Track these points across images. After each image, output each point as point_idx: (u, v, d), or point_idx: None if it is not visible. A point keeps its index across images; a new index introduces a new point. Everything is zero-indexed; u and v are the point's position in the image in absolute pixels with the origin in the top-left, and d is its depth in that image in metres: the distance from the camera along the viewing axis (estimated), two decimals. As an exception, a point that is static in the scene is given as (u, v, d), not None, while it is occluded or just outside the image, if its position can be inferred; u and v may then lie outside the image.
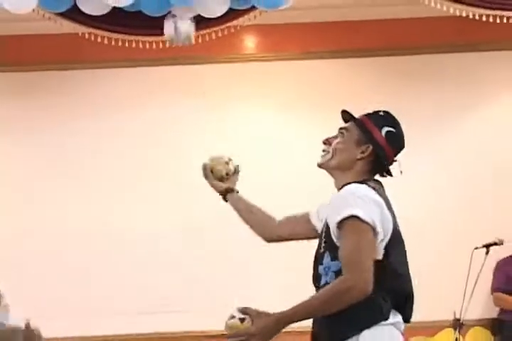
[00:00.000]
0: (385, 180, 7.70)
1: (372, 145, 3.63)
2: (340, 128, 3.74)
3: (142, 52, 7.09)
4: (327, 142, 3.73)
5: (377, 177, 3.74)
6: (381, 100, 7.76)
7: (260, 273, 7.49)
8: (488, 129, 7.97)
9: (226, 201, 4.16)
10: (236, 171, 4.18)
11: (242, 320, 3.35)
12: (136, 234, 7.68)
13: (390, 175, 3.75)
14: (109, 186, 7.94)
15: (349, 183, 3.53)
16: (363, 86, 7.97)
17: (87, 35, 6.85)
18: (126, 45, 6.91)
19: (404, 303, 3.48)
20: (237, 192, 4.15)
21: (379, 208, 3.45)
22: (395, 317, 3.43)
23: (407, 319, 3.51)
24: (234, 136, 7.81)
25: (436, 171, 7.93)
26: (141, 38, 6.91)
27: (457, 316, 7.21)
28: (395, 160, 3.74)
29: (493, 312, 7.69)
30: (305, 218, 3.93)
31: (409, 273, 3.54)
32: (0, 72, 8.04)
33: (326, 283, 3.43)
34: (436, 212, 7.79)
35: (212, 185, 4.14)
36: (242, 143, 7.71)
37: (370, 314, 3.36)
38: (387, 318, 3.37)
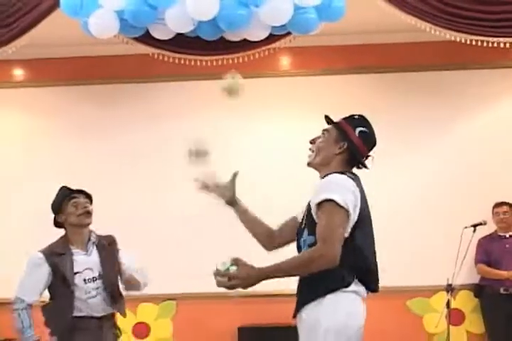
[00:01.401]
0: (394, 172, 7.80)
1: (347, 143, 3.66)
2: (323, 130, 3.78)
3: (199, 69, 7.09)
4: (313, 141, 3.78)
5: (354, 170, 3.75)
6: (387, 109, 7.95)
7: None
8: (473, 131, 8.03)
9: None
10: (234, 177, 4.03)
11: (231, 265, 3.34)
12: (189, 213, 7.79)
13: (365, 167, 3.74)
14: (167, 175, 7.99)
15: (331, 173, 3.58)
16: (373, 97, 7.99)
17: (156, 56, 6.90)
18: (187, 63, 6.96)
19: (367, 277, 3.50)
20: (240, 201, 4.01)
21: (353, 195, 3.45)
22: (357, 287, 3.45)
23: (374, 290, 3.55)
24: (268, 144, 7.92)
25: (432, 166, 7.97)
26: (199, 58, 6.95)
27: (449, 282, 7.25)
28: (370, 156, 3.78)
29: (476, 279, 7.73)
30: (294, 221, 3.86)
31: (373, 251, 3.57)
32: (86, 85, 8.15)
33: (308, 245, 3.49)
34: (435, 198, 7.85)
35: (218, 196, 4.00)
36: (275, 149, 7.85)
37: (334, 282, 3.39)
38: (347, 286, 3.41)
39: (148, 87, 8.10)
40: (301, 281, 3.55)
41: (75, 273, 4.75)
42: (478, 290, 7.73)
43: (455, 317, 7.60)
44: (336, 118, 3.76)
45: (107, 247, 4.96)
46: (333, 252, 3.30)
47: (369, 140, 3.76)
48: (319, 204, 3.43)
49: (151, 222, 7.82)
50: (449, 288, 7.29)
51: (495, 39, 6.64)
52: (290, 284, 3.86)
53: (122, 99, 8.13)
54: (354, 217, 3.44)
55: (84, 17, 6.38)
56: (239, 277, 3.34)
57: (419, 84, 8.03)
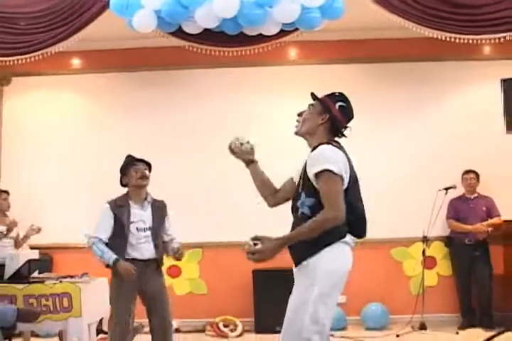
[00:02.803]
0: (383, 144, 7.78)
1: (328, 114, 3.65)
2: (309, 105, 3.76)
3: (222, 58, 7.08)
4: (300, 114, 3.77)
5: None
6: (378, 92, 7.98)
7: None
8: (446, 112, 8.02)
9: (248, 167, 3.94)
10: (252, 148, 3.90)
11: (255, 244, 3.32)
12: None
13: (344, 136, 3.72)
14: (199, 146, 8.03)
15: (320, 144, 3.56)
16: (366, 82, 8.00)
17: (187, 47, 6.90)
18: (213, 53, 6.98)
19: (357, 226, 3.50)
20: (257, 162, 3.92)
21: (342, 163, 3.46)
22: (349, 238, 3.48)
23: (361, 236, 3.53)
24: (281, 123, 7.83)
25: (414, 140, 7.97)
26: (222, 49, 6.94)
27: (425, 234, 7.40)
28: (348, 127, 3.72)
29: (447, 232, 7.77)
30: (291, 182, 3.82)
31: (361, 205, 3.57)
32: (131, 72, 8.20)
33: (302, 213, 3.48)
34: (416, 166, 7.89)
35: (238, 157, 3.92)
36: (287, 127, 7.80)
37: (331, 236, 3.40)
38: (341, 238, 3.44)
39: (181, 73, 8.09)
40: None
41: (131, 222, 5.00)
42: (448, 241, 7.78)
43: (429, 262, 7.70)
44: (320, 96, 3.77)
45: (159, 208, 5.19)
46: (341, 213, 3.35)
47: (347, 113, 3.72)
48: (318, 174, 3.42)
49: (185, 186, 7.84)
50: (425, 239, 7.47)
51: (465, 36, 6.67)
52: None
53: (160, 83, 8.13)
54: (346, 180, 3.46)
55: (129, 16, 6.45)
56: (264, 251, 3.31)
57: (404, 73, 8.02)
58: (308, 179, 3.50)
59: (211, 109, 8.06)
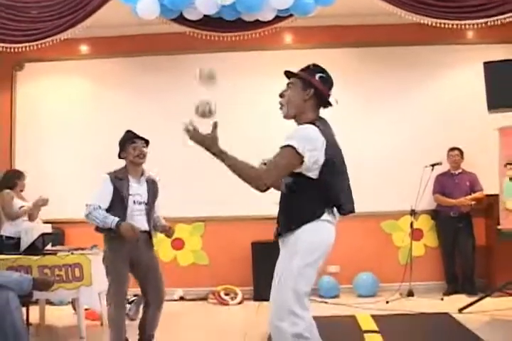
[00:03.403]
0: (374, 123, 7.78)
1: (312, 88, 3.41)
2: (288, 83, 3.50)
3: (222, 43, 7.10)
4: (282, 95, 3.52)
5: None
6: (369, 74, 7.95)
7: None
8: (433, 92, 7.97)
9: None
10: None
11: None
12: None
13: (330, 105, 3.49)
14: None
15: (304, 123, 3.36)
16: (357, 65, 7.96)
17: (187, 33, 6.91)
18: (213, 38, 6.99)
19: (338, 204, 3.34)
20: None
21: (312, 145, 3.23)
22: (329, 216, 3.32)
23: (346, 213, 3.38)
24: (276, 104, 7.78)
25: (403, 119, 7.92)
26: (221, 34, 6.95)
27: (413, 208, 7.40)
28: (330, 95, 3.48)
29: (433, 206, 7.76)
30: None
31: (345, 184, 3.41)
32: (136, 57, 8.12)
33: (286, 184, 3.35)
34: (405, 143, 7.86)
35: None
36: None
37: (306, 215, 3.28)
38: (319, 217, 3.28)
39: (183, 58, 7.98)
40: (280, 212, 3.45)
41: (129, 195, 4.88)
42: (434, 214, 7.80)
43: (416, 234, 7.71)
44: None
45: (152, 185, 5.09)
46: (265, 182, 3.20)
47: (328, 82, 3.49)
48: (282, 147, 3.26)
49: (189, 165, 7.75)
50: (413, 213, 7.47)
51: (450, 21, 6.66)
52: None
53: (163, 68, 8.08)
54: (315, 162, 3.25)
55: (134, 3, 6.40)
56: (206, 138, 3.29)
57: (393, 57, 7.96)
58: None
59: (212, 92, 7.98)
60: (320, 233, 3.31)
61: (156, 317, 4.98)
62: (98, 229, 4.87)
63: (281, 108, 3.51)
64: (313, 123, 3.34)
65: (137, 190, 4.95)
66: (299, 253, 3.26)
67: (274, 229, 3.47)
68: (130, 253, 4.82)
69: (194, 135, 3.33)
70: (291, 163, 3.24)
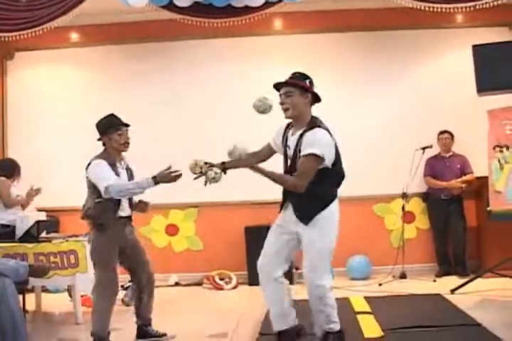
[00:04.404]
0: (365, 107, 7.80)
1: (309, 93, 4.19)
2: (286, 92, 4.16)
3: (212, 29, 7.12)
4: (284, 103, 4.15)
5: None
6: (359, 59, 7.96)
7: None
8: (423, 76, 7.99)
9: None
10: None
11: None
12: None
13: (320, 101, 4.25)
14: (186, 111, 8.00)
15: (312, 125, 4.11)
16: (346, 50, 7.98)
17: (178, 19, 6.90)
18: (202, 24, 6.99)
19: (341, 184, 4.25)
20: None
21: (329, 147, 4.08)
22: (337, 194, 4.25)
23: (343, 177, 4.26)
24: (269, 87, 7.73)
25: (394, 102, 7.93)
26: (211, 20, 6.95)
27: (404, 191, 7.44)
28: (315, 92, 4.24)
29: (424, 188, 7.81)
30: (269, 146, 4.45)
31: (343, 169, 4.23)
32: (126, 44, 8.07)
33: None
34: (396, 127, 7.88)
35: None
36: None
37: (328, 199, 4.17)
38: (335, 198, 4.21)
39: (174, 44, 7.99)
40: (301, 199, 4.09)
41: None
42: (426, 196, 7.83)
43: (408, 217, 7.76)
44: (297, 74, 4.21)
45: (130, 171, 4.93)
46: (302, 188, 4.01)
47: (313, 84, 4.24)
48: (305, 155, 4.01)
49: (179, 151, 7.60)
50: (404, 196, 7.51)
51: (439, 5, 6.68)
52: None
53: (153, 55, 8.06)
54: (331, 158, 4.09)
55: (123, -10, 6.38)
56: (240, 163, 4.08)
57: (383, 41, 7.95)
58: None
59: (200, 77, 7.99)
60: (337, 210, 4.20)
61: (152, 300, 4.99)
62: (84, 216, 4.76)
63: (285, 111, 4.18)
64: (320, 126, 4.12)
65: (123, 176, 4.81)
66: (329, 228, 4.13)
67: (290, 214, 4.20)
68: (118, 241, 4.74)
69: (231, 165, 4.20)
70: (316, 167, 4.04)
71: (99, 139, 4.88)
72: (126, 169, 4.90)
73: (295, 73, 4.23)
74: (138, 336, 4.99)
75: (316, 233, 4.09)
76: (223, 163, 4.22)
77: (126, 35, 8.08)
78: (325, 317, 4.15)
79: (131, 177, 4.90)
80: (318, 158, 3.99)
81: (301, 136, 4.11)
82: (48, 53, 8.22)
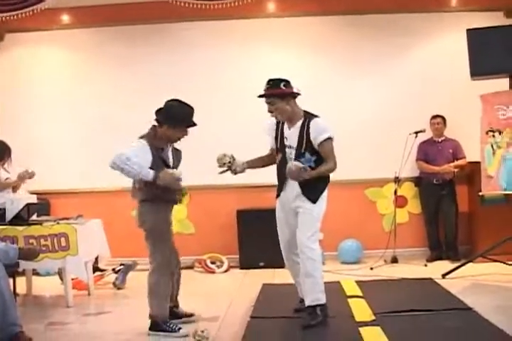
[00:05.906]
0: (360, 91, 7.76)
1: (289, 96, 4.64)
2: (268, 102, 4.63)
3: (204, 11, 7.05)
4: (271, 111, 4.65)
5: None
6: (350, 43, 7.87)
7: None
8: (416, 60, 7.93)
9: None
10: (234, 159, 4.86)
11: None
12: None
13: (299, 94, 4.71)
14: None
15: (309, 116, 4.67)
16: (340, 33, 7.90)
17: (170, 1, 6.84)
18: (198, 7, 6.95)
19: None
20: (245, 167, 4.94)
21: (332, 131, 4.66)
22: None
23: None
24: (263, 70, 7.35)
25: (387, 87, 7.89)
26: (205, 2, 6.91)
27: (396, 175, 7.44)
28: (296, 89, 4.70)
29: (416, 173, 7.81)
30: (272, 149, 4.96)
31: None
32: (118, 26, 7.97)
33: (310, 166, 4.57)
34: (388, 111, 7.83)
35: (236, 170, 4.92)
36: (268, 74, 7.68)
37: (327, 182, 4.77)
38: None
39: (166, 26, 7.89)
40: (311, 182, 4.56)
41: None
42: (418, 181, 7.84)
43: (400, 201, 7.77)
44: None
45: (177, 149, 4.90)
46: (337, 166, 4.66)
47: (289, 83, 4.67)
48: (325, 140, 4.58)
49: None
50: (396, 180, 7.52)
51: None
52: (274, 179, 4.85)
53: (146, 37, 7.96)
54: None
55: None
56: (301, 176, 4.50)
57: (376, 24, 7.86)
58: (310, 142, 4.58)
59: (194, 59, 7.93)
60: (326, 188, 4.77)
61: (180, 281, 5.03)
62: (135, 193, 4.70)
63: (276, 117, 4.70)
64: (316, 116, 4.69)
65: (169, 159, 4.75)
66: (323, 200, 4.72)
67: (290, 193, 4.74)
68: (167, 215, 4.88)
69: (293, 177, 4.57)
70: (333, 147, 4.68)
71: (157, 120, 4.74)
72: (172, 151, 4.81)
73: (269, 81, 4.62)
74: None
75: (315, 205, 4.67)
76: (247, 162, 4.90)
77: (119, 17, 7.96)
78: (312, 284, 4.62)
79: (177, 159, 4.83)
80: (332, 140, 4.62)
81: (303, 126, 4.63)
82: (38, 35, 8.10)
